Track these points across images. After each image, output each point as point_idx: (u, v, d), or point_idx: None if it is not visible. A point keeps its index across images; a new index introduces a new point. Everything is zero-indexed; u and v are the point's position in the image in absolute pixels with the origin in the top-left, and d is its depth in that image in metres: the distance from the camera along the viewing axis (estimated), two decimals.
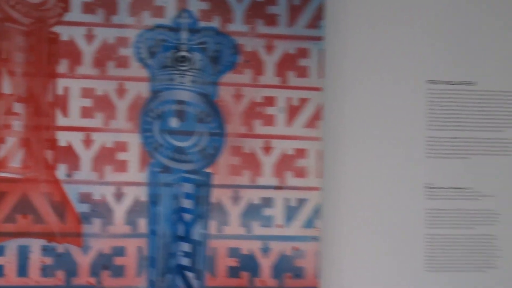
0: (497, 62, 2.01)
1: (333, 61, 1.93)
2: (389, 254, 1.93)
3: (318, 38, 1.88)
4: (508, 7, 2.02)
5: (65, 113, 1.76)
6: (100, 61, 1.78)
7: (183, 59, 1.81)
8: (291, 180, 1.84)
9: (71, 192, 1.75)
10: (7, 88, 1.74)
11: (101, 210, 1.76)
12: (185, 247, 1.79)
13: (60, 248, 1.74)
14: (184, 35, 1.81)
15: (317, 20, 1.88)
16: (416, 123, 1.95)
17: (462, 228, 1.95)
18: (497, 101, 2.00)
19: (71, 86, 1.76)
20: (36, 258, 1.74)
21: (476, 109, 1.98)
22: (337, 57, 1.93)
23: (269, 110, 1.85)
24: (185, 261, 1.79)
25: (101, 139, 1.77)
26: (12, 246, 1.73)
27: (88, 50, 1.77)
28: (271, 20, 1.86)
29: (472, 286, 1.96)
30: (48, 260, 1.74)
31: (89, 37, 1.77)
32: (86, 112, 1.77)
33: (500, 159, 1.98)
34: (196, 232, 1.80)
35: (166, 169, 1.79)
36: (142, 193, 1.78)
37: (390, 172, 1.93)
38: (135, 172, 1.78)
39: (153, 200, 1.78)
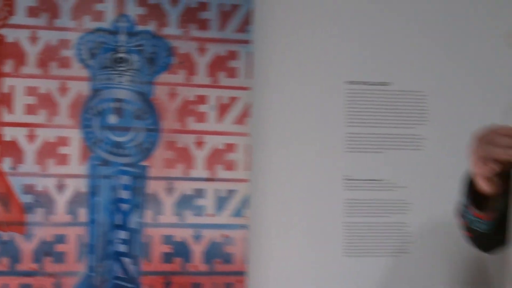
0: (410, 64, 2.17)
1: (261, 63, 2.08)
2: (311, 241, 2.09)
3: (247, 42, 2.03)
4: (420, 12, 2.19)
5: (10, 110, 1.88)
6: (43, 62, 1.90)
7: (121, 60, 1.94)
8: (221, 172, 2.00)
9: (16, 183, 1.88)
10: None
11: (44, 201, 1.89)
12: (122, 234, 1.93)
13: (5, 236, 1.87)
14: (122, 38, 1.95)
15: (245, 25, 2.03)
16: (335, 120, 2.11)
17: (377, 217, 2.13)
18: (409, 100, 2.18)
19: (16, 85, 1.89)
20: None
21: (391, 107, 2.16)
22: (264, 59, 2.08)
23: (201, 108, 1.99)
24: (122, 248, 1.93)
25: (44, 134, 1.89)
26: None
27: (32, 51, 1.90)
28: (203, 24, 2.00)
29: (386, 269, 2.14)
30: None
31: (33, 39, 1.90)
32: (30, 109, 1.89)
33: (412, 153, 2.15)
34: (133, 221, 1.94)
35: (105, 163, 1.93)
36: (82, 185, 1.91)
37: (312, 165, 2.09)
38: (76, 165, 1.91)
39: (93, 191, 1.92)
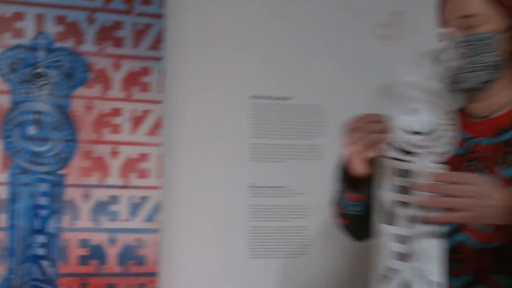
0: (310, 80, 2.34)
1: (172, 78, 2.22)
2: (219, 244, 2.24)
3: (159, 58, 2.18)
4: (318, 31, 2.35)
5: None
6: None
7: (40, 75, 2.07)
8: (135, 180, 2.14)
9: None
10: None
11: None
12: (41, 239, 2.06)
13: None
14: (41, 54, 2.08)
15: (158, 42, 2.18)
16: (241, 132, 2.26)
17: (279, 221, 2.28)
18: (310, 113, 2.35)
19: None
20: None
21: (292, 120, 2.33)
22: (175, 75, 2.23)
23: (116, 120, 2.13)
24: (41, 251, 2.06)
25: None
26: None
27: None
28: (118, 42, 2.14)
29: (287, 270, 2.30)
30: None
31: None
32: None
33: (312, 163, 2.31)
34: (51, 226, 2.07)
35: (25, 171, 2.05)
36: (2, 192, 2.03)
37: (220, 173, 2.24)
38: None
39: (13, 198, 2.04)
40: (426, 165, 1.50)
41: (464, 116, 1.76)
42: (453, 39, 1.69)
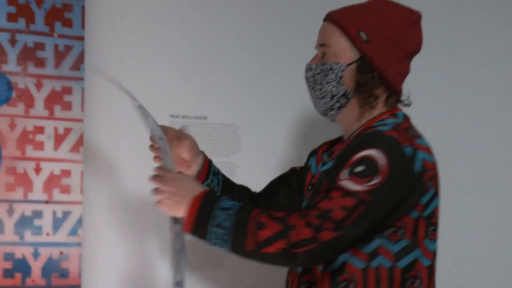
0: (225, 100, 2.54)
1: (92, 97, 2.36)
2: (139, 255, 2.39)
3: (80, 78, 2.32)
4: (233, 52, 2.55)
5: None
6: None
7: None
8: (57, 195, 2.27)
9: None
10: None
11: None
12: None
13: None
14: None
15: (78, 63, 2.32)
16: None
17: None
18: (225, 132, 2.53)
19: None
20: None
21: (208, 138, 2.51)
22: (95, 94, 2.37)
23: (39, 137, 2.27)
24: None
25: None
26: None
27: None
28: (40, 62, 2.28)
29: (206, 281, 2.45)
30: None
31: None
32: None
33: None
34: None
35: None
36: None
37: (137, 189, 2.36)
38: None
39: None
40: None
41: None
42: (307, 64, 1.88)
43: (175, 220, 1.77)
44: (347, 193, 1.66)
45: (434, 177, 1.76)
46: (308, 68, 1.88)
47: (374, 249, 1.72)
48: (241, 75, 2.58)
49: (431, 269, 1.78)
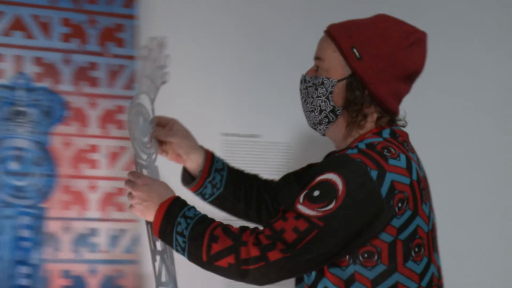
0: (276, 118, 2.56)
1: None
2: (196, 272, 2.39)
3: (133, 97, 2.37)
4: (291, 75, 2.52)
5: None
6: None
7: (20, 113, 2.25)
8: (113, 213, 2.31)
9: None
10: None
11: None
12: (24, 269, 2.20)
13: None
14: (20, 93, 2.26)
15: (131, 82, 2.38)
16: None
17: None
18: (276, 150, 2.55)
19: None
20: None
21: (260, 156, 2.52)
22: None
23: (94, 156, 2.31)
24: (25, 282, 2.19)
25: None
26: None
27: None
28: (94, 82, 2.34)
29: None
30: None
31: None
32: None
33: None
34: (34, 257, 2.22)
35: (7, 204, 2.20)
36: None
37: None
38: None
39: None
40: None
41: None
42: (302, 75, 1.86)
43: (149, 223, 1.83)
44: (301, 216, 1.64)
45: (408, 199, 1.68)
46: (302, 80, 1.87)
47: (349, 276, 1.69)
48: (293, 93, 2.55)
49: None
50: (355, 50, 1.77)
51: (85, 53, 2.34)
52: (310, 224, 1.63)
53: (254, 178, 2.09)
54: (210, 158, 2.01)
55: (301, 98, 1.87)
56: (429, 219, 1.74)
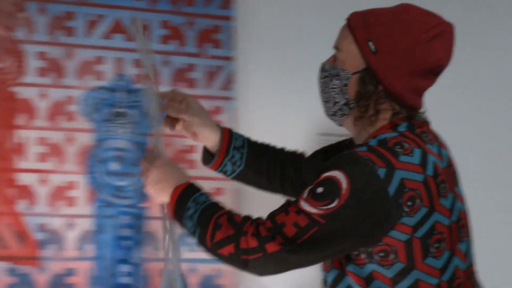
0: None
1: (243, 118, 2.44)
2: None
3: (230, 98, 2.41)
4: None
5: (24, 158, 2.22)
6: (52, 116, 2.26)
7: (121, 114, 2.31)
8: None
9: (30, 223, 2.20)
10: None
11: (55, 238, 2.22)
12: (126, 268, 2.26)
13: (21, 269, 2.18)
14: (121, 94, 2.32)
15: (229, 83, 2.41)
16: None
17: None
18: None
19: (29, 136, 2.23)
20: (2, 279, 2.17)
21: None
22: (246, 115, 2.45)
23: (191, 156, 2.36)
24: (126, 280, 2.25)
25: (54, 179, 2.24)
26: None
27: (42, 107, 2.25)
28: (191, 83, 2.39)
29: None
30: (13, 280, 2.18)
31: (42, 96, 2.26)
32: (41, 157, 2.23)
33: None
34: (135, 256, 2.27)
35: (109, 204, 2.27)
36: (89, 224, 2.25)
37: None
38: (83, 207, 2.25)
39: (98, 229, 2.25)
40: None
41: None
42: (322, 62, 1.81)
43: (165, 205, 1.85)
44: (302, 211, 1.61)
45: (422, 196, 1.62)
46: (322, 68, 1.82)
47: (368, 274, 1.66)
48: None
49: (440, 286, 1.67)
50: (370, 44, 1.71)
51: (183, 54, 2.38)
52: (311, 221, 1.60)
53: (280, 152, 2.07)
54: (228, 137, 2.00)
55: (319, 87, 1.83)
56: (452, 210, 1.69)
